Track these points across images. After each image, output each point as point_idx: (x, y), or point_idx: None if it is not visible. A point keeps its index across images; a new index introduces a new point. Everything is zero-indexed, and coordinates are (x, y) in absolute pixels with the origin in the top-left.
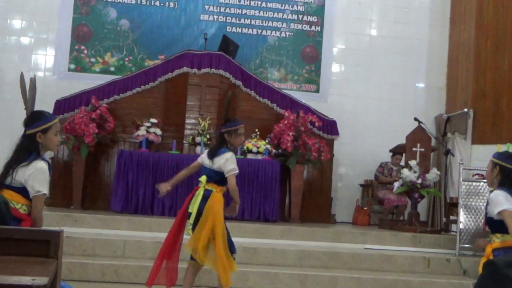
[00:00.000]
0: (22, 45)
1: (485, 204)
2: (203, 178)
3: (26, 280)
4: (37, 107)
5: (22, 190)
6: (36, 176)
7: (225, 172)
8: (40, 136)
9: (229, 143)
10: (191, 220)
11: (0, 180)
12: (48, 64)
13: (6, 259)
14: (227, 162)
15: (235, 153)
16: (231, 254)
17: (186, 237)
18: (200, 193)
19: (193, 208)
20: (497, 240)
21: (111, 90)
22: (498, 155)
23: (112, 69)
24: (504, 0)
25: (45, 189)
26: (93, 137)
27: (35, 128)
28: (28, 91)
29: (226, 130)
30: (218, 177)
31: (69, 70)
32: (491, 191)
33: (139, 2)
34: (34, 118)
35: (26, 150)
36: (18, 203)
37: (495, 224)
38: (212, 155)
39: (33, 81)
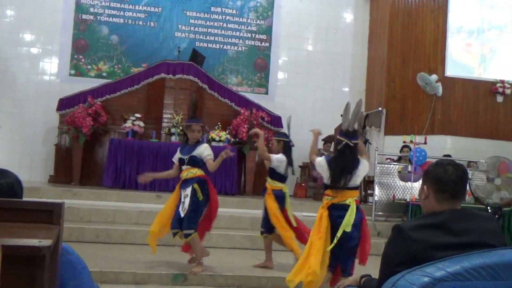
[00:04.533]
0: (31, 54)
1: (394, 182)
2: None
3: (34, 242)
4: (43, 105)
5: None
6: None
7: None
8: None
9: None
10: None
11: None
12: (53, 70)
13: (17, 226)
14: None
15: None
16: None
17: None
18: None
19: None
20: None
21: (104, 91)
22: (278, 135)
23: (104, 74)
24: (409, 25)
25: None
26: (89, 128)
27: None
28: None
29: (185, 124)
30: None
31: (70, 75)
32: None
33: (126, 22)
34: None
35: None
36: None
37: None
38: None
39: (358, 103)
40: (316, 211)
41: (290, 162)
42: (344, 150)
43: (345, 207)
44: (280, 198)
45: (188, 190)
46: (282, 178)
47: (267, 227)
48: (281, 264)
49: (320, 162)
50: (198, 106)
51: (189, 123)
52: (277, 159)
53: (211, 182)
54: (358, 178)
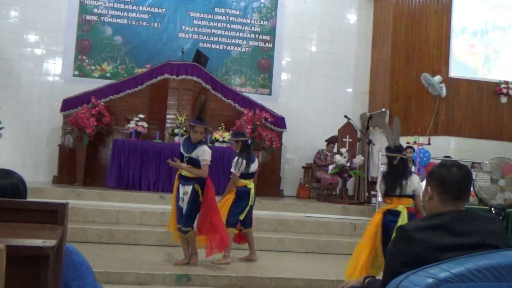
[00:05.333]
0: (35, 55)
1: None
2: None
3: (38, 242)
4: (47, 106)
5: None
6: None
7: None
8: None
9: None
10: None
11: None
12: (56, 70)
13: (22, 226)
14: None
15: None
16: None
17: None
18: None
19: None
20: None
21: (108, 92)
22: (234, 135)
23: (108, 75)
24: (412, 26)
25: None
26: (93, 128)
27: None
28: (393, 128)
29: (189, 123)
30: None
31: (74, 75)
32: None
33: (130, 22)
34: None
35: None
36: None
37: None
38: None
39: (396, 121)
40: (319, 212)
41: (249, 159)
42: (399, 164)
43: (397, 213)
44: (244, 193)
45: (188, 189)
46: (244, 176)
47: (246, 221)
48: (284, 265)
49: (380, 178)
50: (204, 108)
51: (194, 123)
52: (236, 167)
53: (210, 179)
54: (409, 188)
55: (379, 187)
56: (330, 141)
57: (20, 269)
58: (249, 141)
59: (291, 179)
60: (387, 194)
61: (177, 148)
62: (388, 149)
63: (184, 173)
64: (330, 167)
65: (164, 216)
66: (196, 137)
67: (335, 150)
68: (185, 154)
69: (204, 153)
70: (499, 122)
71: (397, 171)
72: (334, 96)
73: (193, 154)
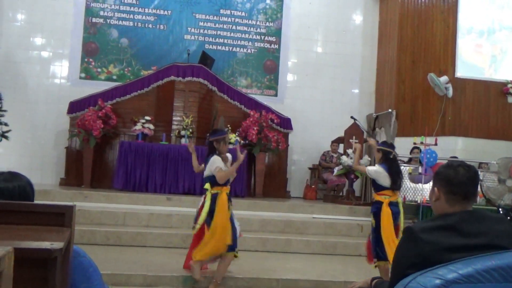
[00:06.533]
0: (42, 58)
1: (405, 183)
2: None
3: (45, 244)
4: (54, 108)
5: None
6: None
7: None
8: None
9: (218, 150)
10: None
11: None
12: (63, 73)
13: (29, 228)
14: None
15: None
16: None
17: None
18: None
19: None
20: None
21: (114, 94)
22: (382, 144)
23: (114, 77)
24: (418, 26)
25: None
26: (100, 131)
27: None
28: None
29: (215, 139)
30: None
31: (80, 78)
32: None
33: (136, 25)
34: None
35: None
36: None
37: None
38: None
39: (395, 123)
40: (326, 213)
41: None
42: (395, 159)
43: (397, 204)
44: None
45: None
46: None
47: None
48: (291, 266)
49: (378, 170)
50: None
51: (223, 135)
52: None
53: None
54: None
55: (382, 180)
56: (335, 140)
57: (28, 272)
58: None
59: (297, 180)
60: (389, 188)
61: (184, 150)
62: (385, 143)
63: (228, 190)
64: (336, 168)
65: (171, 217)
66: (227, 147)
67: (340, 150)
68: None
69: None
70: (506, 122)
71: (398, 165)
72: (340, 97)
73: None
